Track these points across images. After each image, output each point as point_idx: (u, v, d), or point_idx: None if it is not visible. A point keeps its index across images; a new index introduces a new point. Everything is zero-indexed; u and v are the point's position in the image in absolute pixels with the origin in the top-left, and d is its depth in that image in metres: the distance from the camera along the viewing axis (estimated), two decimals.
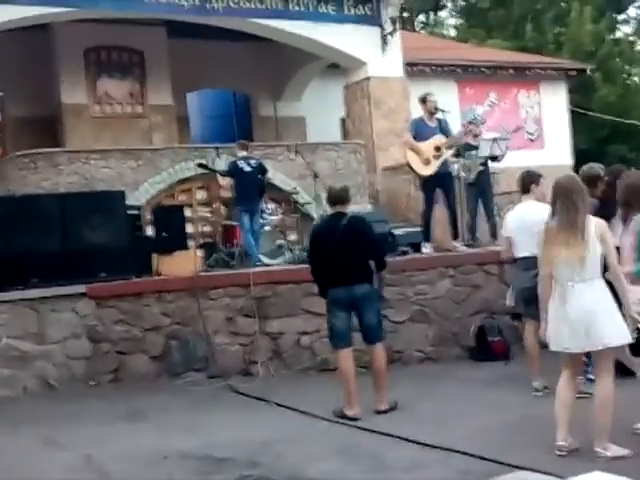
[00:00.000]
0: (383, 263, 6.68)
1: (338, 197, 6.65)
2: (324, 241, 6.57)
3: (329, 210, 6.91)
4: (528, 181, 7.07)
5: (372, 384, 6.61)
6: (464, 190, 10.57)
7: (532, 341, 6.77)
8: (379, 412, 6.52)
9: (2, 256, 8.16)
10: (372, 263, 6.55)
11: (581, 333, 4.96)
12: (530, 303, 6.20)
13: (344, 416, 6.43)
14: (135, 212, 9.98)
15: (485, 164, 10.55)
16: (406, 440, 5.65)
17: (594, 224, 5.05)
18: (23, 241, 8.25)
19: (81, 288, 8.37)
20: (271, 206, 11.83)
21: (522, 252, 6.76)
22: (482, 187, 10.57)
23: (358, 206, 13.16)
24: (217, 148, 12.16)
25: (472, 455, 5.16)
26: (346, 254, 6.39)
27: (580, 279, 5.00)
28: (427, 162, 9.83)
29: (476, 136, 10.71)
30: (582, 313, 4.97)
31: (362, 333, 6.64)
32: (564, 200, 5.09)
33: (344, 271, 6.42)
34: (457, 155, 10.35)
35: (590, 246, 4.98)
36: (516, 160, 12.18)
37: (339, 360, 6.59)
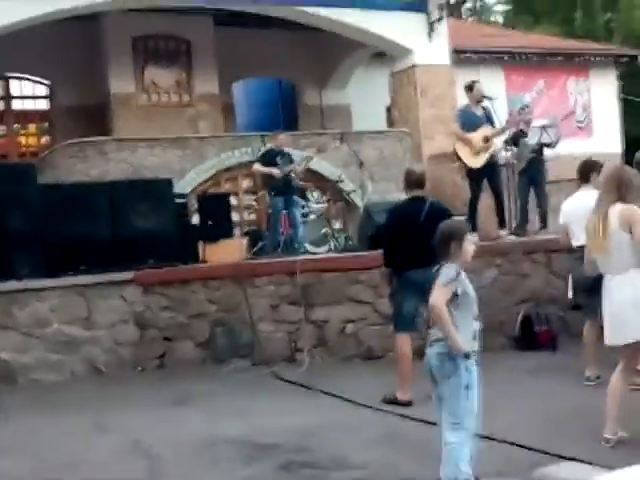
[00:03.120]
0: None
1: (419, 181, 6.68)
2: (406, 223, 6.52)
3: (402, 194, 6.94)
4: (588, 169, 6.96)
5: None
6: (515, 178, 10.45)
7: (589, 332, 6.70)
8: None
9: (52, 243, 8.29)
10: None
11: (617, 326, 4.97)
12: (590, 293, 6.11)
13: (396, 401, 6.42)
14: (182, 200, 10.06)
15: (537, 152, 10.38)
16: None
17: (618, 212, 4.97)
18: (72, 228, 8.38)
19: (129, 275, 8.47)
20: (316, 194, 11.86)
21: (579, 241, 6.61)
22: (533, 175, 10.35)
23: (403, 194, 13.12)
24: (263, 137, 12.18)
25: (519, 445, 5.13)
26: (427, 236, 6.35)
27: (615, 271, 4.98)
28: (477, 154, 9.78)
29: (528, 124, 10.54)
30: (619, 306, 4.95)
31: None
32: (603, 189, 5.09)
33: (423, 253, 6.37)
34: (507, 143, 10.25)
35: (613, 237, 4.94)
36: (565, 148, 11.98)
37: (400, 344, 6.56)
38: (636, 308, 4.90)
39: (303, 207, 11.30)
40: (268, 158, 10.95)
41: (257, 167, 11.14)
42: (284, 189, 10.80)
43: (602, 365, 6.16)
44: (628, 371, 5.11)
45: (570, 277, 7.14)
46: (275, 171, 10.70)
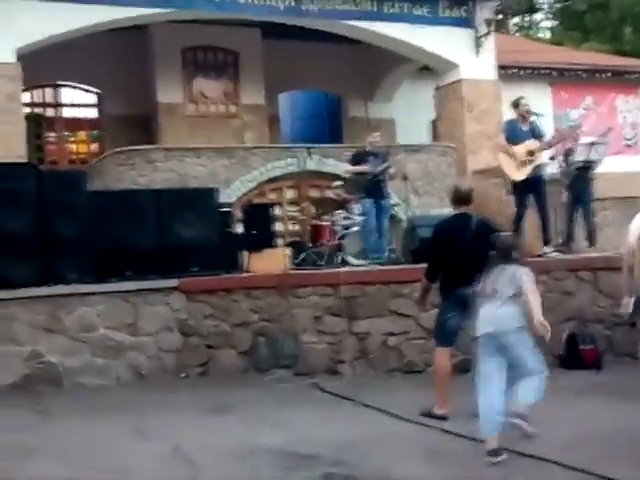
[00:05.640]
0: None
1: (466, 198, 6.60)
2: (453, 239, 6.45)
3: (445, 208, 6.88)
4: None
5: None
6: (563, 195, 10.36)
7: None
8: None
9: (99, 249, 8.39)
10: None
11: None
12: None
13: (432, 415, 6.38)
14: (226, 209, 10.12)
15: (584, 168, 10.30)
16: None
17: None
18: (119, 235, 8.47)
19: (173, 282, 8.52)
20: (359, 206, 11.79)
21: None
22: (579, 192, 10.29)
23: (449, 209, 13.07)
24: (308, 148, 12.22)
25: (563, 465, 5.06)
26: (474, 254, 6.26)
27: None
28: (521, 166, 9.72)
29: (576, 141, 10.44)
30: None
31: None
32: None
33: (470, 270, 6.27)
34: (552, 159, 10.17)
35: None
36: (612, 166, 11.86)
37: (439, 358, 6.51)
38: None
39: (346, 219, 11.11)
40: (358, 158, 10.64)
41: (347, 167, 10.77)
42: (374, 190, 10.46)
43: None
44: None
45: (634, 295, 6.91)
46: (367, 167, 10.31)
